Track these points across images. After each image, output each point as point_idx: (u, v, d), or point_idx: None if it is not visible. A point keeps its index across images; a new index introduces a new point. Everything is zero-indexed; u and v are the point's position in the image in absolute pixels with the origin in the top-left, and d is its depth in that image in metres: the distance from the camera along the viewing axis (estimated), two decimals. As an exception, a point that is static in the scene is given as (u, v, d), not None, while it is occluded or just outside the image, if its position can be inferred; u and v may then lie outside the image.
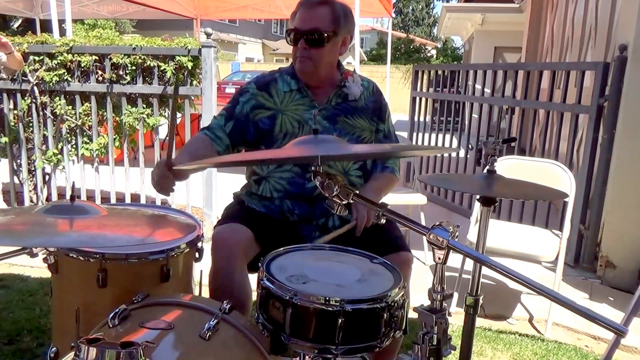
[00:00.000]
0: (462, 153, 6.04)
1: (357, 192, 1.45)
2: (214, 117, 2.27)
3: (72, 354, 1.27)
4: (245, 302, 1.94)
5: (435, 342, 1.33)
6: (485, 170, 1.98)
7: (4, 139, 4.78)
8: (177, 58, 4.36)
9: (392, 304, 1.48)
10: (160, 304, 1.57)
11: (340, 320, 1.42)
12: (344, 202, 1.45)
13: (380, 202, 1.81)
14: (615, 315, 3.25)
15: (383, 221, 1.43)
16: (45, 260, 1.77)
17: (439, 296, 1.36)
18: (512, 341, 3.08)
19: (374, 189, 2.21)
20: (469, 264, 2.78)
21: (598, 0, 5.43)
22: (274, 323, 1.50)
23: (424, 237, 1.35)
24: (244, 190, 2.34)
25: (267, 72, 2.31)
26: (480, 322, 3.25)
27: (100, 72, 4.52)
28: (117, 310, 1.46)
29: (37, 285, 3.50)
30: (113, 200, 4.71)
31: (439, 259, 1.32)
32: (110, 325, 1.43)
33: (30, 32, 5.03)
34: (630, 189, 3.84)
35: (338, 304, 1.42)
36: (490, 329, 3.22)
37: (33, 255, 1.37)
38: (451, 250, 1.31)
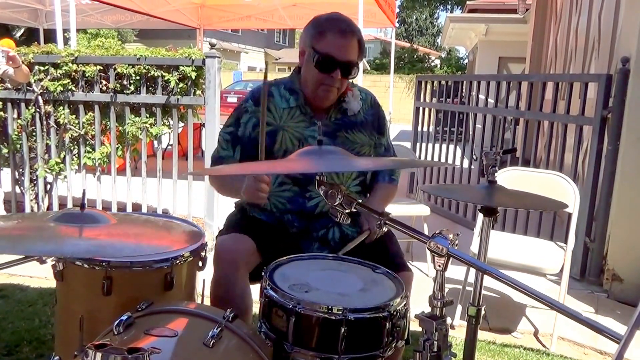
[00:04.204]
0: (466, 164, 6.03)
1: (360, 200, 1.46)
2: (221, 147, 2.23)
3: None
4: (246, 310, 1.94)
5: (435, 349, 1.33)
6: (486, 181, 1.98)
7: (7, 149, 4.79)
8: (181, 68, 4.39)
9: (395, 313, 1.49)
10: (164, 311, 1.57)
11: (342, 329, 1.42)
12: (346, 211, 1.46)
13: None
14: (622, 330, 3.22)
15: (385, 229, 1.43)
16: (53, 267, 1.77)
17: (439, 303, 1.37)
18: (516, 355, 3.06)
19: (380, 200, 2.23)
20: (473, 277, 2.78)
21: (601, 12, 5.44)
22: (276, 332, 1.50)
23: (427, 249, 1.36)
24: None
25: (261, 86, 2.29)
26: (484, 335, 3.24)
27: (104, 82, 4.55)
28: (122, 318, 1.47)
29: (36, 296, 3.48)
30: (114, 210, 4.72)
31: (439, 266, 1.33)
32: (115, 333, 1.43)
33: (35, 42, 5.05)
34: (636, 201, 3.82)
35: (340, 312, 1.43)
36: (495, 342, 3.19)
37: (42, 262, 1.38)
38: (454, 261, 1.32)
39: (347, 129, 2.20)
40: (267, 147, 2.13)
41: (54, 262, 1.77)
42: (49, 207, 4.93)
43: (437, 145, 6.37)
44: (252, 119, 2.18)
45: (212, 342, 1.40)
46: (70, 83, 4.57)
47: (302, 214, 2.15)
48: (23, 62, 3.97)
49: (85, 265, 1.74)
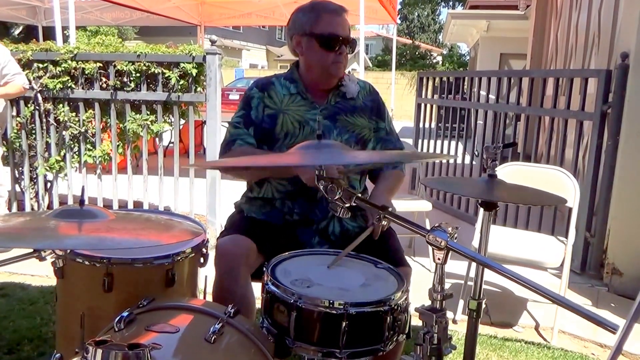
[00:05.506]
0: (467, 160, 6.03)
1: (359, 195, 1.46)
2: (233, 126, 2.23)
3: (76, 359, 1.27)
4: (248, 313, 1.94)
5: (435, 341, 1.34)
6: (486, 175, 1.99)
7: (6, 147, 4.79)
8: (182, 65, 4.38)
9: (395, 307, 1.50)
10: (166, 308, 1.57)
11: (344, 324, 1.42)
12: (346, 205, 1.46)
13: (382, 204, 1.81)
14: (621, 323, 3.23)
15: (385, 223, 1.44)
16: (53, 264, 1.77)
17: (439, 296, 1.37)
18: (518, 349, 3.07)
19: (387, 189, 2.23)
20: (474, 272, 2.80)
21: (600, 8, 5.44)
22: (278, 327, 1.50)
23: (427, 243, 1.36)
24: (243, 198, 2.35)
25: (262, 77, 2.34)
26: (486, 329, 3.25)
27: (104, 79, 4.54)
28: (123, 314, 1.47)
29: (37, 294, 3.47)
30: (115, 208, 4.71)
31: (439, 259, 1.34)
32: (116, 329, 1.43)
33: (34, 39, 5.04)
34: (635, 195, 3.83)
35: (342, 307, 1.43)
36: (496, 336, 3.20)
37: (42, 258, 1.37)
38: (456, 256, 1.32)
39: (347, 112, 2.25)
40: (269, 129, 2.18)
41: (54, 259, 1.77)
42: (50, 206, 4.91)
43: (439, 142, 6.38)
44: (260, 104, 2.22)
45: (213, 338, 1.40)
46: (70, 80, 4.55)
47: (303, 196, 2.15)
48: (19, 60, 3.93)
49: (86, 262, 1.74)
